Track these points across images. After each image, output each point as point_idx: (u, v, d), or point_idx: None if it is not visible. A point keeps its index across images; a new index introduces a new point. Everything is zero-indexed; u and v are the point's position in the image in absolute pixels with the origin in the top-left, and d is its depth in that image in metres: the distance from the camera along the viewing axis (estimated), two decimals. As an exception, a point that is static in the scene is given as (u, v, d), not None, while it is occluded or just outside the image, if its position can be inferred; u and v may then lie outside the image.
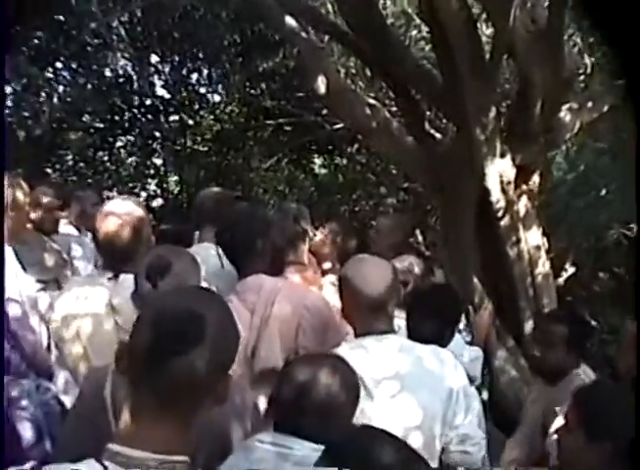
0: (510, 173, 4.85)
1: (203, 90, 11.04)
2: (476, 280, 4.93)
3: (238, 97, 10.39)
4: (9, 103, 9.71)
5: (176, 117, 11.08)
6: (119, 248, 3.33)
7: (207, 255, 4.10)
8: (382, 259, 3.21)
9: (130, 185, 11.59)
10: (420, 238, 8.14)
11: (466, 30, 4.22)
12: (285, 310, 3.23)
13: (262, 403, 3.06)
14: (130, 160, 11.67)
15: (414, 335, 3.49)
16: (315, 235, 4.97)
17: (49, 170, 10.81)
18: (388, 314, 3.07)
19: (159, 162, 11.61)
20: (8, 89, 9.61)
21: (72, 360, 3.31)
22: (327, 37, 6.41)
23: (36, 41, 9.57)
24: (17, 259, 4.24)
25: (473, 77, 4.26)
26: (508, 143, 4.81)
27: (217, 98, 11.17)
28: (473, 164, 4.66)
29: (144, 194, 11.68)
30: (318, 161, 11.31)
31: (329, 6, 5.86)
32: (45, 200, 5.41)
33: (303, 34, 5.17)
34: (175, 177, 11.70)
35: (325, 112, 8.04)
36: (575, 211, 6.49)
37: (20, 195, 4.19)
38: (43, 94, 9.91)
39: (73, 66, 10.32)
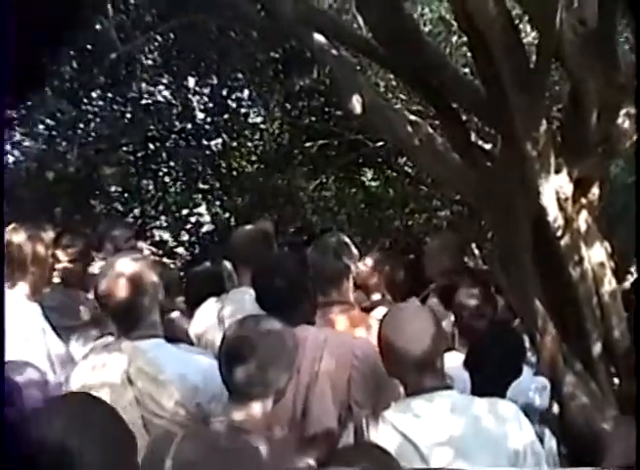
0: (567, 189, 4.47)
1: (243, 111, 10.81)
2: (537, 303, 4.55)
3: (279, 117, 10.13)
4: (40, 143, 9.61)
5: (219, 141, 10.88)
6: (122, 308, 3.10)
7: (244, 301, 3.87)
8: (420, 308, 3.10)
9: (177, 214, 11.42)
10: (477, 252, 7.85)
11: (506, 37, 3.83)
12: (334, 364, 3.05)
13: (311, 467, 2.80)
14: (175, 187, 11.44)
15: (477, 388, 3.21)
16: (358, 268, 4.64)
17: (92, 202, 10.72)
18: (437, 369, 2.77)
19: (205, 187, 11.41)
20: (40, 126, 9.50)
21: None
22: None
23: (66, 74, 9.34)
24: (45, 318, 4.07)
25: (518, 89, 3.87)
26: (563, 157, 4.41)
27: (259, 119, 10.92)
28: (526, 182, 4.28)
29: (193, 220, 11.50)
30: (369, 174, 10.97)
31: (359, 19, 5.46)
32: (71, 250, 5.21)
33: (334, 51, 4.88)
34: (221, 202, 11.50)
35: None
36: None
37: (41, 249, 4.04)
38: (77, 129, 9.75)
39: (109, 95, 10.12)
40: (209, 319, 4.11)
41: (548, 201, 4.35)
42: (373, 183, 11.04)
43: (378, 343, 2.85)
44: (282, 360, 2.64)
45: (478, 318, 4.29)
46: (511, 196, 4.44)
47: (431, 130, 4.90)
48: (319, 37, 4.84)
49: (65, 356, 4.05)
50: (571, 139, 4.49)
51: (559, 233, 4.51)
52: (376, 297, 5.14)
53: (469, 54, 5.95)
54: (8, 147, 8.80)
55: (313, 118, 9.24)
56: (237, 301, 3.94)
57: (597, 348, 4.70)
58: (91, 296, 5.22)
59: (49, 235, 4.19)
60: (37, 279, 4.05)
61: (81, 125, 9.82)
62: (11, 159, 9.33)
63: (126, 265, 3.10)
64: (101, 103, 10.21)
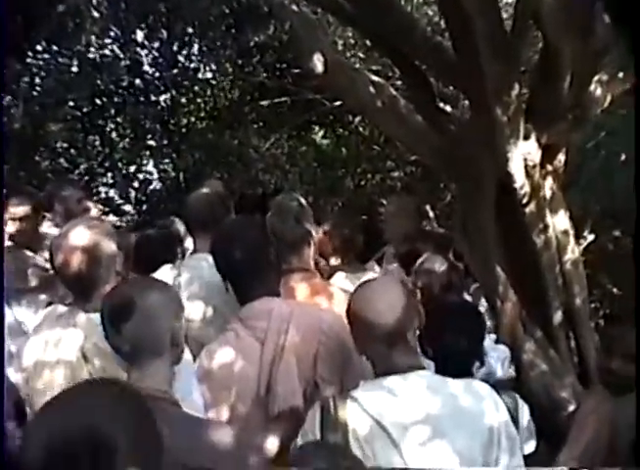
0: (535, 156, 4.37)
1: (193, 66, 10.60)
2: (499, 270, 4.48)
3: (230, 73, 9.95)
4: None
5: (167, 96, 10.67)
6: (78, 280, 2.99)
7: (202, 268, 3.71)
8: (392, 281, 2.90)
9: (124, 169, 11.22)
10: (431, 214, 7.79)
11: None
12: (300, 338, 2.88)
13: (273, 445, 2.71)
14: (122, 143, 11.23)
15: (441, 365, 3.13)
16: (318, 233, 4.51)
17: (37, 158, 10.47)
18: (409, 345, 2.63)
19: (153, 143, 11.22)
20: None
21: None
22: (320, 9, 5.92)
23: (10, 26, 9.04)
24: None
25: (492, 53, 3.73)
26: (532, 122, 4.30)
27: (209, 74, 10.73)
28: (493, 148, 4.17)
29: (140, 177, 11.33)
30: (320, 132, 10.85)
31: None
32: (20, 211, 5.03)
33: (294, 7, 4.70)
34: (170, 159, 11.32)
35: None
36: (589, 175, 6.05)
37: None
38: (23, 83, 9.47)
39: (54, 48, 9.84)
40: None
41: (516, 167, 4.25)
42: (324, 142, 10.92)
43: (347, 317, 2.71)
44: (165, 317, 2.54)
45: (443, 286, 4.22)
46: (476, 161, 4.34)
47: (394, 92, 4.75)
48: (280, -8, 4.67)
49: (13, 325, 3.92)
50: (542, 104, 4.37)
51: (525, 200, 4.43)
52: (335, 262, 5.00)
53: (430, 12, 5.85)
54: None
55: (266, 75, 9.05)
56: (194, 267, 3.77)
57: (558, 316, 4.65)
58: (40, 258, 5.11)
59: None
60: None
61: (26, 80, 9.57)
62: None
63: (83, 235, 2.97)
64: (46, 56, 9.93)
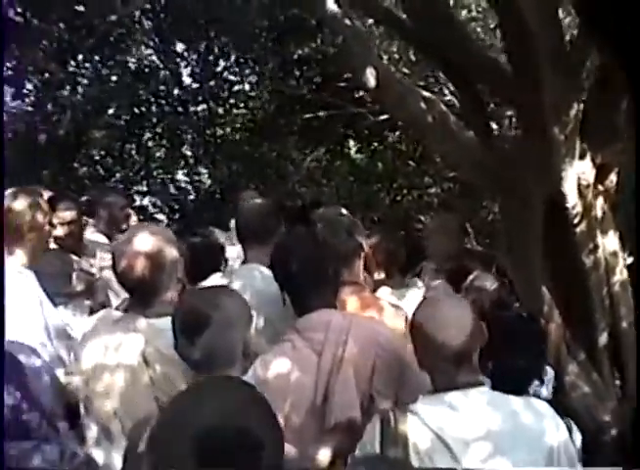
0: (589, 175, 4.32)
1: (232, 78, 10.63)
2: (544, 289, 4.44)
3: (270, 85, 9.96)
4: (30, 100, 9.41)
5: (204, 107, 10.71)
6: (140, 285, 3.01)
7: (254, 277, 3.73)
8: (457, 299, 2.92)
9: (160, 178, 11.27)
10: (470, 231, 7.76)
11: (548, 14, 3.66)
12: (358, 350, 2.87)
13: (325, 456, 2.73)
14: (159, 152, 11.28)
15: (498, 382, 3.04)
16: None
17: (76, 165, 10.55)
18: (473, 364, 2.63)
19: (189, 153, 11.26)
20: (29, 86, 9.31)
21: (103, 418, 2.95)
22: (370, 21, 5.91)
23: (56, 34, 9.13)
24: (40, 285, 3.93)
25: (553, 68, 3.70)
26: (588, 141, 4.26)
27: (247, 86, 10.75)
28: (547, 167, 4.13)
29: (175, 186, 11.37)
30: (354, 147, 10.83)
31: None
32: (68, 215, 5.08)
33: (347, 21, 4.69)
34: (206, 169, 11.34)
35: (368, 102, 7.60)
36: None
37: (39, 215, 3.92)
38: (65, 91, 9.55)
39: (96, 58, 9.91)
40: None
41: (569, 187, 4.21)
42: (358, 156, 10.90)
43: (411, 332, 2.70)
44: (238, 327, 2.57)
45: (494, 304, 4.18)
46: (526, 179, 4.30)
47: (444, 108, 4.73)
48: (332, 5, 4.65)
49: (60, 328, 3.93)
50: (599, 123, 4.34)
51: (576, 220, 4.37)
52: (379, 276, 4.98)
53: (478, 29, 5.82)
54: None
55: (307, 89, 9.06)
56: (246, 277, 3.77)
57: (603, 338, 4.57)
58: (85, 263, 5.14)
59: (45, 201, 4.05)
60: (34, 246, 3.93)
61: (68, 87, 9.67)
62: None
63: (147, 240, 2.99)
64: (88, 65, 10.02)
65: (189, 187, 11.50)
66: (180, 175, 11.53)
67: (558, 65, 3.72)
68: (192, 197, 11.39)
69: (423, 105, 4.60)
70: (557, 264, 4.61)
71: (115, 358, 2.91)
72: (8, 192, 3.89)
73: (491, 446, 2.47)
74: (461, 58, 4.35)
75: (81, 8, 8.77)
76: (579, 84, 4.09)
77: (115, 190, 8.69)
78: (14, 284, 3.68)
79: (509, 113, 6.40)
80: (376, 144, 10.20)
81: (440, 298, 2.87)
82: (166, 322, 2.87)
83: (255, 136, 10.43)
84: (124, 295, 4.96)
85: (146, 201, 11.47)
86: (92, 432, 3.01)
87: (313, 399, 2.84)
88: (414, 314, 2.73)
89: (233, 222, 7.71)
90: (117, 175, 11.10)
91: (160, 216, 11.39)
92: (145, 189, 11.42)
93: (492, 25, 6.31)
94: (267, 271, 3.66)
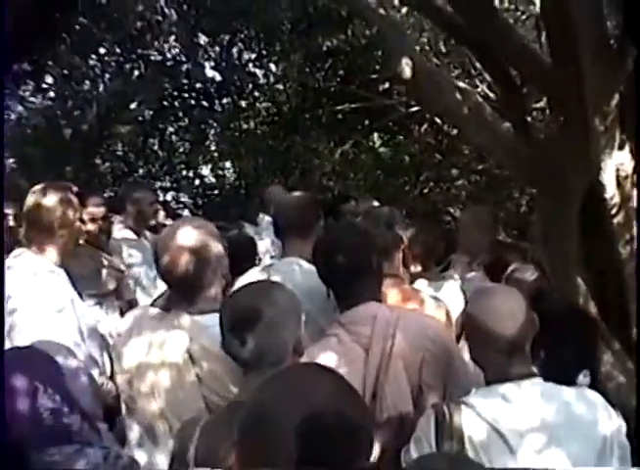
0: (628, 166, 4.28)
1: (256, 71, 10.60)
2: (580, 281, 4.41)
3: (296, 78, 9.90)
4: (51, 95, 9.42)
5: (228, 100, 10.68)
6: (185, 281, 2.92)
7: (293, 272, 3.71)
8: (510, 289, 2.80)
9: (183, 174, 11.24)
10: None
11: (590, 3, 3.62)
12: (407, 343, 2.85)
13: (375, 450, 2.64)
14: (182, 147, 11.24)
15: (548, 372, 3.01)
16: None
17: (97, 160, 10.55)
18: (526, 355, 2.64)
19: (212, 148, 11.23)
20: (49, 80, 9.32)
21: (147, 418, 2.89)
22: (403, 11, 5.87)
23: (77, 27, 9.11)
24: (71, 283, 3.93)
25: (597, 59, 3.66)
26: (627, 132, 4.23)
27: (272, 79, 10.70)
28: (586, 157, 4.10)
29: (198, 181, 11.34)
30: (378, 140, 10.79)
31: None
32: (98, 211, 5.07)
33: (381, 11, 4.66)
34: (230, 164, 11.31)
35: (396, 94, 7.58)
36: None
37: (70, 212, 3.88)
38: (86, 86, 9.55)
39: (118, 51, 9.89)
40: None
41: (608, 178, 4.18)
42: (382, 149, 10.86)
43: (464, 324, 2.70)
44: (290, 324, 2.52)
45: (534, 295, 4.15)
46: (564, 170, 4.26)
47: (480, 99, 4.70)
48: (367, -5, 4.62)
49: (92, 327, 3.92)
50: (637, 114, 4.31)
51: (614, 211, 4.34)
52: (415, 269, 4.95)
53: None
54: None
55: (337, 81, 9.01)
56: (285, 271, 3.74)
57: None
58: (116, 260, 5.14)
59: (76, 197, 3.99)
60: (66, 243, 3.90)
61: (88, 82, 9.67)
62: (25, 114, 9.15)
63: (190, 235, 2.91)
64: (107, 59, 10.01)
65: (213, 182, 11.47)
66: (204, 170, 11.50)
67: (601, 54, 3.68)
68: (216, 192, 11.35)
69: (458, 96, 4.57)
70: (592, 255, 4.57)
71: (160, 356, 2.85)
72: (37, 188, 3.87)
73: (546, 438, 2.47)
74: (501, 48, 4.31)
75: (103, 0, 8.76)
76: (620, 74, 4.04)
77: (143, 185, 8.64)
78: (46, 284, 3.68)
79: (539, 104, 6.36)
80: (401, 137, 10.16)
81: (494, 288, 2.83)
82: (211, 319, 2.82)
83: (280, 130, 10.38)
84: (153, 291, 5.01)
85: (169, 196, 11.45)
86: (134, 433, 2.97)
87: (362, 394, 2.81)
88: (468, 305, 2.72)
89: (261, 217, 7.77)
90: (140, 171, 11.06)
91: (185, 212, 11.38)
92: (168, 185, 11.39)
93: (524, 17, 6.27)
94: (307, 265, 3.65)
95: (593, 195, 4.30)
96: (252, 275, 4.00)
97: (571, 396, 2.60)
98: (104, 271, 4.96)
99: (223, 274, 3.06)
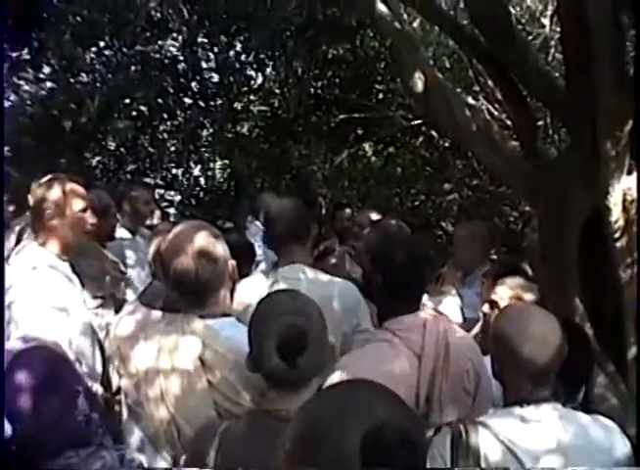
0: (635, 191, 4.32)
1: (254, 74, 10.57)
2: (577, 301, 4.45)
3: (297, 84, 9.86)
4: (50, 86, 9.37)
5: (222, 101, 10.62)
6: (193, 284, 2.85)
7: (299, 279, 3.73)
8: (547, 314, 2.72)
9: (172, 173, 11.19)
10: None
11: (612, 31, 3.64)
12: (457, 352, 2.91)
13: None
14: (174, 146, 11.16)
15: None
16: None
17: (88, 155, 10.48)
18: (550, 381, 2.62)
19: (203, 148, 11.18)
20: (47, 70, 9.27)
21: (155, 424, 2.84)
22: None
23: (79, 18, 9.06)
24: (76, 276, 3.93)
25: (613, 85, 3.69)
26: (637, 157, 4.26)
27: (270, 83, 10.67)
28: (594, 181, 4.13)
29: (188, 181, 11.29)
30: (370, 149, 10.79)
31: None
32: (101, 205, 5.02)
33: (397, 24, 4.67)
34: (220, 163, 11.27)
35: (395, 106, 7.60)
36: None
37: (75, 205, 3.88)
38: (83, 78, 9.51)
39: (117, 45, 9.83)
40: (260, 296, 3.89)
41: (615, 202, 4.21)
42: (373, 158, 10.87)
43: (494, 342, 2.69)
44: (325, 337, 2.47)
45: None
46: (569, 192, 4.30)
47: (488, 117, 4.73)
48: (381, 7, 4.63)
49: (87, 324, 3.87)
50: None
51: (617, 235, 4.37)
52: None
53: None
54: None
55: (339, 89, 9.01)
56: (292, 279, 3.72)
57: (632, 351, 4.52)
58: (117, 259, 5.09)
59: (82, 190, 3.96)
60: (69, 236, 3.87)
61: (84, 75, 9.62)
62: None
63: (199, 238, 2.87)
64: (108, 53, 9.96)
65: (203, 182, 11.42)
66: (195, 171, 11.44)
67: (615, 81, 3.71)
68: (205, 192, 11.31)
69: (467, 112, 4.60)
70: (592, 277, 4.61)
71: (170, 362, 2.80)
72: (43, 180, 3.85)
73: (562, 460, 2.47)
74: (518, 69, 4.33)
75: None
76: (634, 100, 4.07)
77: (138, 183, 8.57)
78: (43, 278, 3.64)
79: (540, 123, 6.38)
80: (392, 149, 10.17)
81: (532, 312, 2.77)
82: (224, 323, 2.85)
83: (275, 134, 10.35)
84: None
85: (156, 194, 11.37)
86: (135, 437, 2.95)
87: (415, 400, 2.81)
88: (501, 321, 2.71)
89: (250, 220, 7.76)
90: (128, 168, 10.99)
91: (171, 210, 11.32)
92: (159, 182, 11.32)
93: (531, 37, 6.30)
94: (311, 272, 3.72)
95: (598, 217, 4.33)
96: (257, 279, 3.97)
97: (587, 420, 2.61)
98: (109, 273, 4.91)
99: (230, 276, 3.01)
